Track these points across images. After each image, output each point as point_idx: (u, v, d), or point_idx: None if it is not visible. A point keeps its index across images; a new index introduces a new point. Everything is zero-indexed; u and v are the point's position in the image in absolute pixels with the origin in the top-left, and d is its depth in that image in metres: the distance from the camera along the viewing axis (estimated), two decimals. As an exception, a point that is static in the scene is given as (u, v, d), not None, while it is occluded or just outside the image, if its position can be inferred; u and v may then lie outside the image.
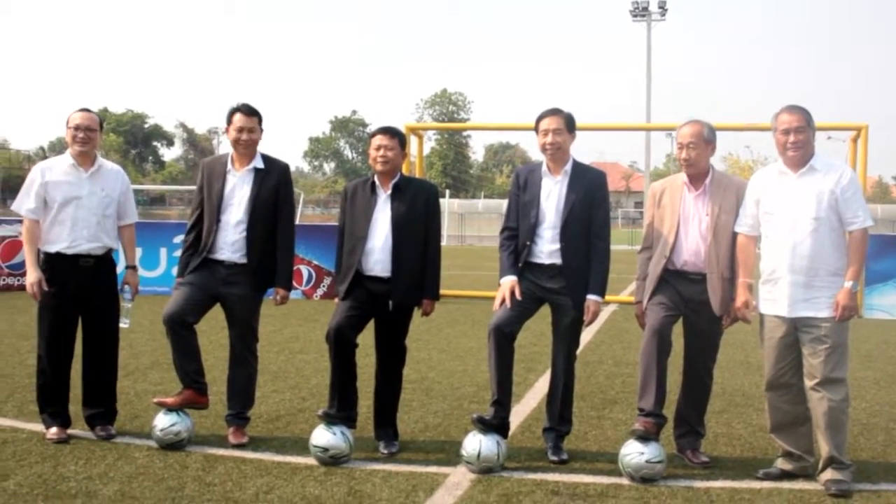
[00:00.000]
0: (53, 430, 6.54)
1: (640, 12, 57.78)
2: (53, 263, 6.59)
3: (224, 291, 6.56)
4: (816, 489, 5.75)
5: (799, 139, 5.85)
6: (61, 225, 6.57)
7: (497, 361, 6.23)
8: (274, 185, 6.64)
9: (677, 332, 6.23)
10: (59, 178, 6.62)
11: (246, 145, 6.58)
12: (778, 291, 5.90)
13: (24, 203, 6.65)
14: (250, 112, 6.61)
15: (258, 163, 6.66)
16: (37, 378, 6.73)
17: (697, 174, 6.24)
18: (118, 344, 6.89)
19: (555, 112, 6.36)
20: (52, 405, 6.63)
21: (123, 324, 6.82)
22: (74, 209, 6.57)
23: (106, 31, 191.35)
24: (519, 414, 7.50)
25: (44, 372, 6.65)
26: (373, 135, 6.55)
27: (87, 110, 6.76)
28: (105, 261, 6.74)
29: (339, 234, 6.68)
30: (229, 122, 6.62)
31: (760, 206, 6.03)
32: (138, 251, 7.05)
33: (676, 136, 6.27)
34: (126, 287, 6.87)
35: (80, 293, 6.60)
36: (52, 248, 6.59)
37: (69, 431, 6.61)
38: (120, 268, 6.88)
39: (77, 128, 6.61)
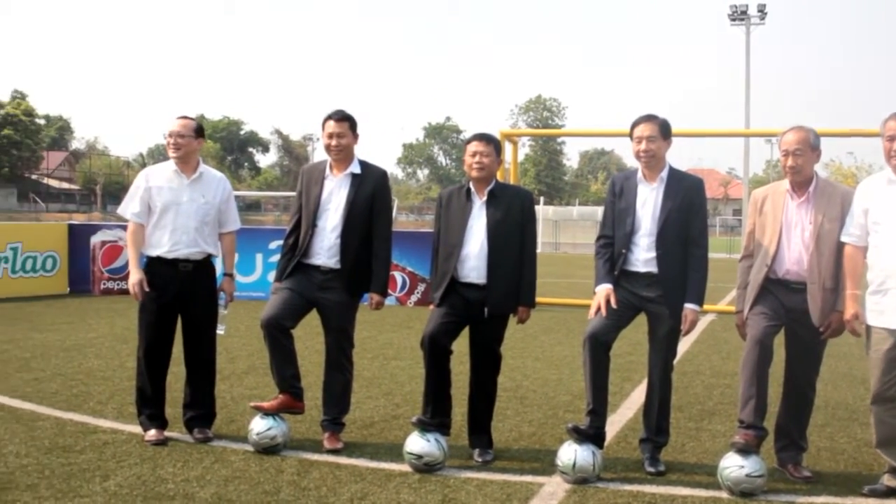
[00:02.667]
0: (152, 432, 6.69)
1: (739, 16, 56.83)
2: (154, 267, 6.78)
3: (320, 297, 6.63)
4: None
5: None
6: (162, 230, 6.76)
7: (592, 370, 6.20)
8: (370, 191, 6.69)
9: (779, 343, 6.12)
10: (161, 184, 6.81)
11: (337, 150, 6.65)
12: (886, 303, 5.75)
13: (128, 207, 6.87)
14: (341, 118, 6.68)
15: (355, 168, 6.73)
16: (136, 380, 6.90)
17: (802, 181, 6.13)
18: (216, 349, 7.04)
19: (649, 118, 6.31)
20: (149, 407, 6.79)
21: (220, 330, 6.97)
22: (174, 215, 6.75)
23: (205, 37, 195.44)
24: (615, 424, 7.44)
25: (142, 374, 6.83)
26: (468, 141, 6.58)
27: (185, 117, 6.91)
28: (204, 266, 6.90)
29: (434, 240, 6.71)
30: (323, 128, 6.72)
31: (868, 215, 5.89)
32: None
33: (780, 143, 6.15)
34: (221, 294, 7.00)
35: (180, 297, 6.76)
36: (154, 252, 6.78)
37: (167, 434, 6.76)
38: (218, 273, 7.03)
39: (171, 134, 6.79)
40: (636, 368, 9.68)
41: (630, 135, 6.34)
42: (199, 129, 6.96)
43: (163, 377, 6.86)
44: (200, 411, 6.89)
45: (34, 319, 13.33)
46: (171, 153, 6.81)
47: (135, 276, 6.70)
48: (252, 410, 6.70)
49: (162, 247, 6.76)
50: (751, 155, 52.31)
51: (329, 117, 6.70)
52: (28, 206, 75.71)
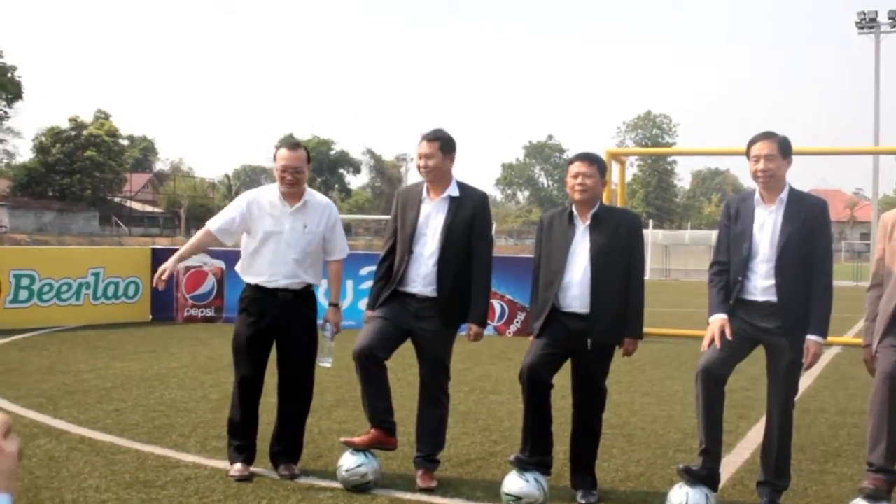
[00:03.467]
0: (237, 466, 6.81)
1: (868, 24, 55.88)
2: (252, 293, 6.96)
3: (416, 326, 6.68)
4: None
5: None
6: (262, 258, 6.92)
7: (706, 407, 6.13)
8: (469, 215, 6.71)
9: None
10: (263, 211, 6.96)
11: (426, 172, 6.70)
12: None
13: (216, 220, 7.07)
14: (432, 138, 6.70)
15: (453, 191, 6.76)
16: (229, 410, 7.06)
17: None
18: (312, 382, 7.14)
19: (767, 136, 6.23)
20: (238, 438, 6.93)
21: (325, 363, 7.08)
22: (275, 244, 6.89)
23: (294, 53, 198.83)
24: (730, 465, 7.34)
25: (234, 403, 6.99)
26: (570, 161, 6.59)
27: (295, 146, 7.02)
28: (304, 295, 7.01)
29: (534, 267, 6.73)
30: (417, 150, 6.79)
31: None
32: (322, 283, 7.28)
33: None
34: (327, 325, 7.11)
35: (275, 325, 6.90)
36: (253, 280, 6.96)
37: (252, 469, 6.87)
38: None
39: (285, 169, 6.88)
40: (753, 405, 9.53)
41: (747, 153, 6.28)
42: (309, 157, 7.08)
43: (253, 407, 6.99)
44: (287, 446, 6.99)
45: (115, 348, 13.65)
46: (285, 188, 6.92)
47: (169, 264, 6.81)
48: (341, 446, 6.76)
49: (261, 275, 6.91)
50: (880, 174, 51.21)
51: (423, 137, 6.76)
52: (110, 230, 77.52)
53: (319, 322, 7.11)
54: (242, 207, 7.00)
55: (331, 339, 7.09)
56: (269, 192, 7.04)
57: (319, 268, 7.15)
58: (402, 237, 6.79)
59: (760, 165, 6.17)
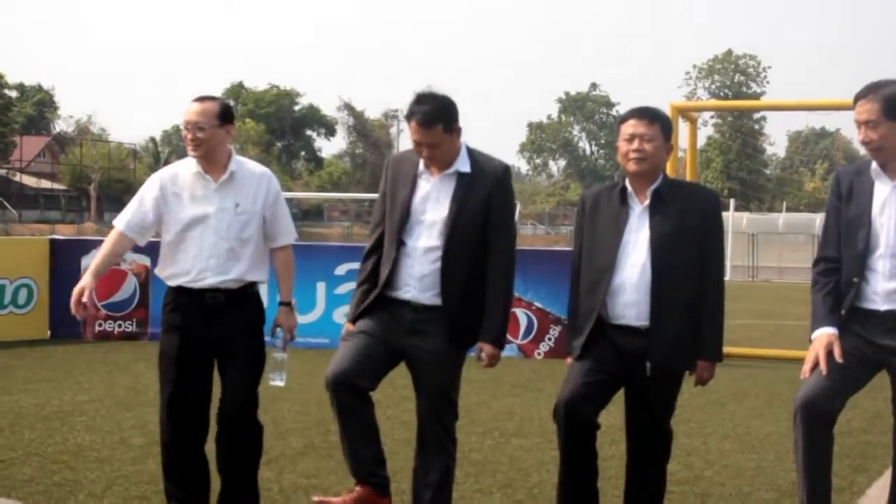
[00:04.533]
0: None
1: None
2: (175, 299, 6.98)
3: (410, 344, 6.61)
4: None
5: None
6: (184, 252, 6.94)
7: (808, 455, 6.13)
8: (485, 195, 6.61)
9: None
10: (181, 191, 6.98)
11: (430, 160, 6.59)
12: None
13: (122, 216, 7.10)
14: (429, 120, 6.45)
15: (463, 165, 6.63)
16: (161, 453, 7.10)
17: None
18: (257, 404, 7.11)
19: (869, 92, 6.16)
20: (176, 486, 7.00)
21: (277, 381, 7.08)
22: (201, 232, 6.91)
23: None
24: (842, 535, 7.36)
25: (166, 445, 7.01)
26: (623, 119, 6.56)
27: (203, 98, 7.01)
28: (242, 297, 7.03)
29: (573, 263, 6.74)
30: (408, 122, 6.65)
31: None
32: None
33: None
34: (278, 331, 7.13)
35: (210, 340, 6.92)
36: (175, 281, 6.98)
37: None
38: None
39: (185, 125, 6.90)
40: (875, 453, 9.55)
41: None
42: (225, 113, 7.01)
43: (196, 446, 7.03)
44: (237, 501, 7.03)
45: (1, 375, 13.66)
46: (190, 151, 6.94)
47: (81, 282, 6.88)
48: (314, 506, 6.77)
49: (184, 274, 6.94)
50: None
51: (412, 115, 6.54)
52: (-8, 214, 77.66)
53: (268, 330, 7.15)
54: (154, 192, 7.01)
55: (283, 350, 7.10)
56: (185, 170, 7.05)
57: (264, 260, 7.17)
58: (392, 224, 6.70)
59: (862, 136, 6.17)
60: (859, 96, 6.19)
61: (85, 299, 6.80)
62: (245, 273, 6.98)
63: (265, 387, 7.01)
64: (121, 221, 7.03)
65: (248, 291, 7.06)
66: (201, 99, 6.98)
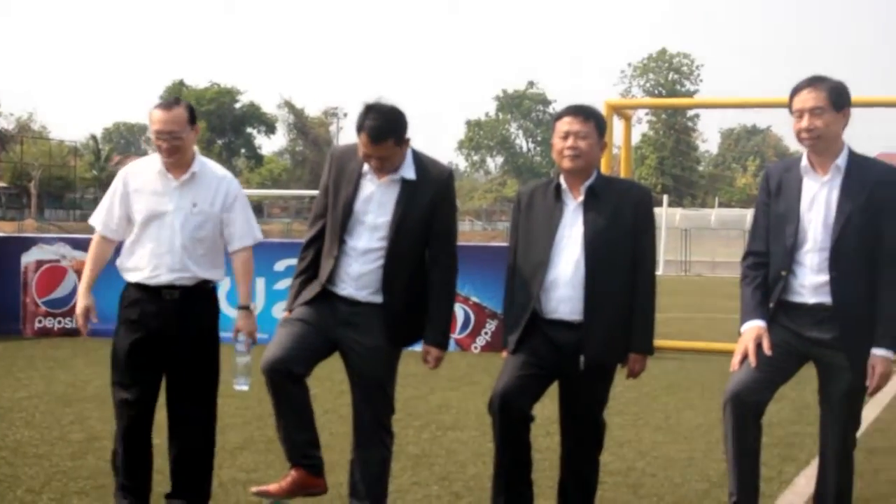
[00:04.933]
0: None
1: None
2: (133, 294, 6.99)
3: (345, 335, 6.61)
4: None
5: None
6: (142, 248, 6.96)
7: (737, 446, 6.19)
8: (428, 202, 6.58)
9: None
10: (142, 188, 7.00)
11: (379, 170, 6.52)
12: None
13: (97, 214, 7.14)
14: (379, 136, 6.36)
15: (408, 171, 6.57)
16: (116, 442, 7.14)
17: None
18: (214, 411, 7.19)
19: (814, 82, 6.24)
20: (125, 478, 7.03)
21: (241, 386, 7.12)
22: (157, 229, 6.93)
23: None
24: (770, 524, 7.42)
25: (117, 438, 7.06)
26: (558, 117, 6.57)
27: (171, 104, 6.98)
28: (197, 295, 7.04)
29: (509, 259, 6.74)
30: (358, 133, 6.50)
31: None
32: (225, 282, 7.30)
33: None
34: (239, 335, 7.12)
35: (164, 336, 6.93)
36: (133, 277, 6.99)
37: None
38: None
39: (159, 134, 6.88)
40: (802, 443, 9.63)
41: (789, 106, 6.32)
42: (192, 115, 7.02)
43: (141, 441, 7.06)
44: (190, 491, 7.08)
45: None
46: (165, 158, 6.94)
47: (81, 302, 6.92)
48: (252, 500, 6.75)
49: (142, 270, 6.95)
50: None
51: (361, 129, 6.42)
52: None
53: (228, 335, 7.13)
54: (119, 187, 7.05)
55: (246, 353, 7.12)
56: (151, 165, 7.06)
57: (220, 260, 7.18)
58: (334, 220, 6.65)
59: (804, 123, 6.18)
60: (802, 86, 6.24)
61: (93, 319, 6.90)
62: (200, 271, 7.00)
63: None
64: (97, 222, 7.09)
65: (203, 289, 7.08)
66: (168, 106, 6.95)
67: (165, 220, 6.90)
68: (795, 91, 6.27)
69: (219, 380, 7.19)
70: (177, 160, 6.92)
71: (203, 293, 7.07)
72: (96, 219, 7.10)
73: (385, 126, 6.36)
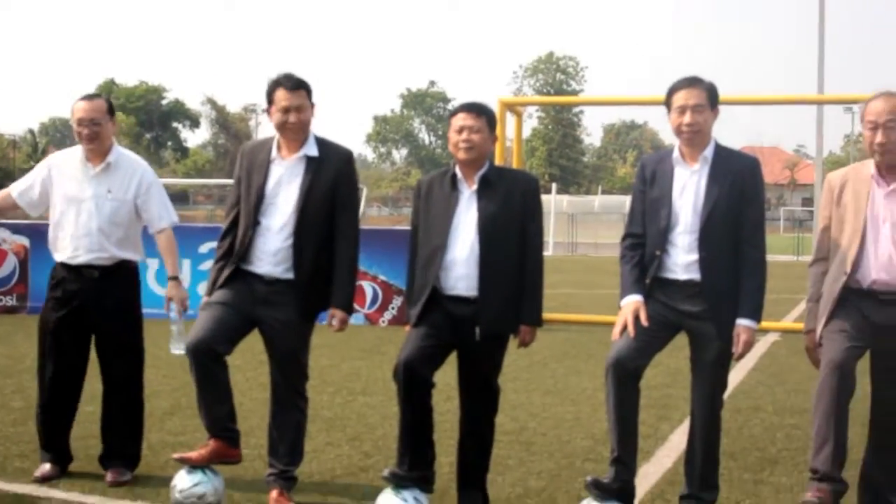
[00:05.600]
0: (46, 467, 7.08)
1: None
2: (59, 273, 7.13)
3: (263, 314, 6.64)
4: None
5: None
6: (64, 230, 7.11)
7: (618, 407, 6.22)
8: (332, 178, 6.68)
9: (862, 370, 6.15)
10: (65, 175, 7.14)
11: (295, 129, 6.64)
12: None
13: (17, 184, 7.37)
14: (296, 85, 6.66)
15: (311, 149, 6.70)
16: (36, 413, 7.23)
17: (890, 164, 6.16)
18: (136, 377, 7.29)
19: (693, 83, 6.30)
20: (47, 439, 7.18)
21: (176, 350, 7.12)
22: (76, 213, 7.08)
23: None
24: (648, 476, 7.48)
25: (39, 405, 7.19)
26: (454, 113, 6.58)
27: (91, 97, 7.16)
28: (116, 273, 7.12)
29: (411, 241, 6.74)
30: (270, 100, 6.70)
31: None
32: (153, 263, 7.39)
33: (866, 113, 6.15)
34: (171, 304, 7.27)
35: (86, 310, 7.04)
36: (58, 258, 7.15)
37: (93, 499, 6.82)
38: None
39: (80, 122, 7.04)
40: (675, 404, 9.72)
41: (667, 103, 6.36)
42: (111, 108, 7.25)
43: (63, 412, 7.17)
44: (121, 449, 7.20)
45: None
46: (84, 144, 7.10)
47: None
48: (176, 463, 6.70)
49: (65, 250, 7.10)
50: (825, 128, 52.46)
51: (279, 84, 6.67)
52: None
53: (159, 311, 7.30)
54: (43, 172, 7.24)
55: (179, 320, 7.22)
56: (72, 155, 7.23)
57: (138, 241, 7.33)
58: (247, 206, 6.71)
59: (687, 118, 6.23)
60: (682, 85, 6.29)
61: None
62: (118, 252, 7.11)
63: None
64: (14, 188, 7.32)
65: (123, 267, 7.16)
66: (89, 97, 7.17)
67: (83, 205, 7.06)
68: (675, 89, 6.31)
69: (143, 350, 7.32)
70: (96, 147, 7.07)
71: (123, 271, 7.18)
72: (15, 187, 7.32)
73: (298, 79, 6.69)
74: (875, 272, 6.14)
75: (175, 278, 7.34)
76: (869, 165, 6.27)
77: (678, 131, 6.31)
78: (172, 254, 7.36)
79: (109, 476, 7.03)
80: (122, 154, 7.26)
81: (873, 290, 6.14)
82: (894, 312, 6.07)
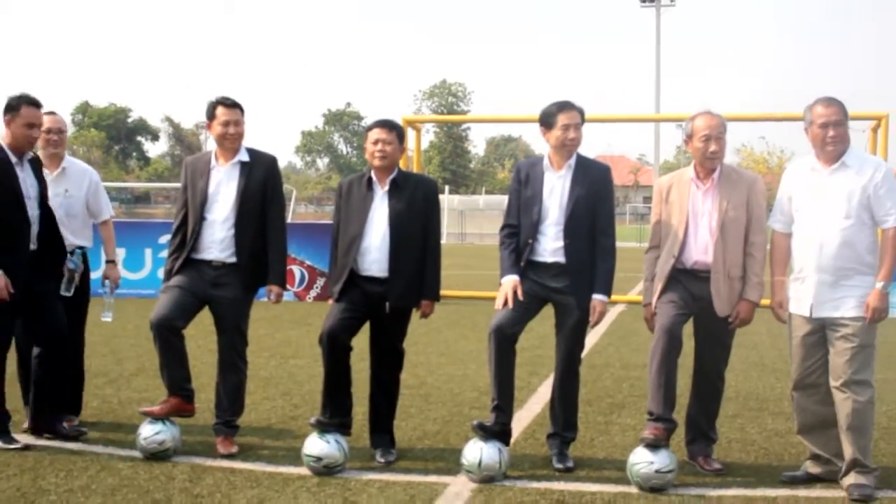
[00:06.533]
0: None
1: (649, -2, 57.71)
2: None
3: (213, 294, 6.61)
4: (835, 496, 5.77)
5: (839, 133, 5.86)
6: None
7: (498, 365, 6.25)
8: (262, 179, 6.70)
9: (688, 333, 6.25)
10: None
11: (233, 139, 6.65)
12: (805, 290, 5.93)
13: None
14: (234, 104, 6.70)
15: (243, 156, 6.72)
16: None
17: (712, 168, 6.24)
18: (81, 343, 7.35)
19: (574, 105, 6.36)
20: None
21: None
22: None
23: (87, 20, 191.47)
24: (522, 420, 7.51)
25: None
26: (370, 128, 6.57)
27: (53, 112, 7.14)
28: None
29: (333, 232, 6.70)
30: (211, 116, 6.69)
31: (792, 202, 6.05)
32: (122, 252, 7.31)
33: (696, 128, 6.20)
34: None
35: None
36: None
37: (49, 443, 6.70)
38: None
39: (49, 131, 7.05)
40: (543, 362, 9.76)
41: (548, 122, 6.34)
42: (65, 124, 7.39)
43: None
44: (58, 399, 6.98)
45: None
46: (50, 149, 7.14)
47: None
48: (141, 416, 6.61)
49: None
50: (661, 140, 53.10)
51: (220, 103, 6.68)
52: None
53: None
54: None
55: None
56: None
57: (88, 230, 7.39)
58: (194, 205, 6.70)
59: (571, 134, 6.27)
60: (566, 107, 6.31)
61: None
62: (74, 239, 7.16)
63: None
64: None
65: (75, 252, 7.12)
66: (52, 112, 7.12)
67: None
68: (560, 110, 6.30)
69: (85, 321, 7.35)
70: (58, 153, 7.18)
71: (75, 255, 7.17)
72: None
73: (234, 99, 6.73)
74: (695, 255, 6.23)
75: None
76: (689, 171, 6.37)
77: (561, 145, 6.30)
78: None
79: (67, 426, 6.89)
80: (72, 161, 7.41)
81: (694, 269, 6.23)
82: (708, 287, 6.17)
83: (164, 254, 7.11)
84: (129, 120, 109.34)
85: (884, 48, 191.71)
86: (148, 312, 6.58)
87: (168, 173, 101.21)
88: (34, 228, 6.67)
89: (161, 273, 7.14)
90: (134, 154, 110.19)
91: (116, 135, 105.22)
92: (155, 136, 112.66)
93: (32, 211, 6.66)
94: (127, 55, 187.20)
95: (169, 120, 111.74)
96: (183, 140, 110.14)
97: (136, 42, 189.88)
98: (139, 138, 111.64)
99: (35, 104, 6.69)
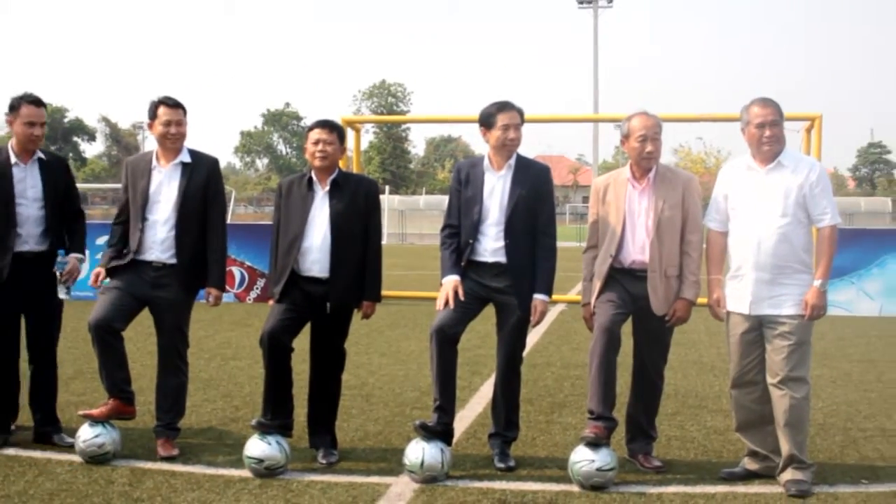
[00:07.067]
0: None
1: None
2: None
3: (153, 295, 6.54)
4: (773, 492, 5.84)
5: (775, 133, 5.95)
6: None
7: (440, 365, 6.24)
8: (203, 180, 6.65)
9: (627, 332, 6.29)
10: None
11: (175, 139, 6.60)
12: (743, 288, 6.00)
13: None
14: (176, 104, 6.64)
15: (185, 157, 6.67)
16: None
17: (648, 168, 6.29)
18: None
19: (514, 106, 6.37)
20: None
21: (62, 295, 6.88)
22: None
23: (20, 17, 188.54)
24: (464, 420, 7.52)
25: None
26: (310, 129, 6.54)
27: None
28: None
29: (273, 232, 6.66)
30: (153, 116, 6.62)
31: (728, 201, 6.12)
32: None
33: (634, 128, 6.24)
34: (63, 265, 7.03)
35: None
36: None
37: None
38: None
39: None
40: (485, 362, 9.79)
41: (488, 122, 6.35)
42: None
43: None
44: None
45: None
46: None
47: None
48: (80, 419, 6.52)
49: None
50: (600, 141, 53.49)
51: (161, 103, 6.62)
52: None
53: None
54: None
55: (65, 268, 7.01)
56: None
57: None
58: (135, 206, 6.63)
59: (511, 134, 6.29)
60: (506, 108, 6.32)
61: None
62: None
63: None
64: None
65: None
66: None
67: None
68: (500, 111, 6.31)
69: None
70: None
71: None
72: None
73: (176, 99, 6.65)
74: (633, 255, 6.27)
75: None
76: (626, 171, 6.41)
77: (502, 144, 6.31)
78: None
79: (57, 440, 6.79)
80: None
81: (632, 268, 6.27)
82: (646, 286, 6.22)
83: (100, 255, 7.01)
84: (66, 120, 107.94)
85: (815, 50, 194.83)
86: (85, 315, 6.49)
87: (105, 174, 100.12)
88: (35, 229, 6.66)
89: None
90: (70, 154, 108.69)
91: (52, 135, 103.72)
92: (91, 137, 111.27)
93: (32, 212, 6.63)
94: (63, 54, 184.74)
95: (106, 120, 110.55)
96: (120, 140, 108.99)
97: (71, 40, 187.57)
98: (75, 139, 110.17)
99: (35, 102, 6.63)
